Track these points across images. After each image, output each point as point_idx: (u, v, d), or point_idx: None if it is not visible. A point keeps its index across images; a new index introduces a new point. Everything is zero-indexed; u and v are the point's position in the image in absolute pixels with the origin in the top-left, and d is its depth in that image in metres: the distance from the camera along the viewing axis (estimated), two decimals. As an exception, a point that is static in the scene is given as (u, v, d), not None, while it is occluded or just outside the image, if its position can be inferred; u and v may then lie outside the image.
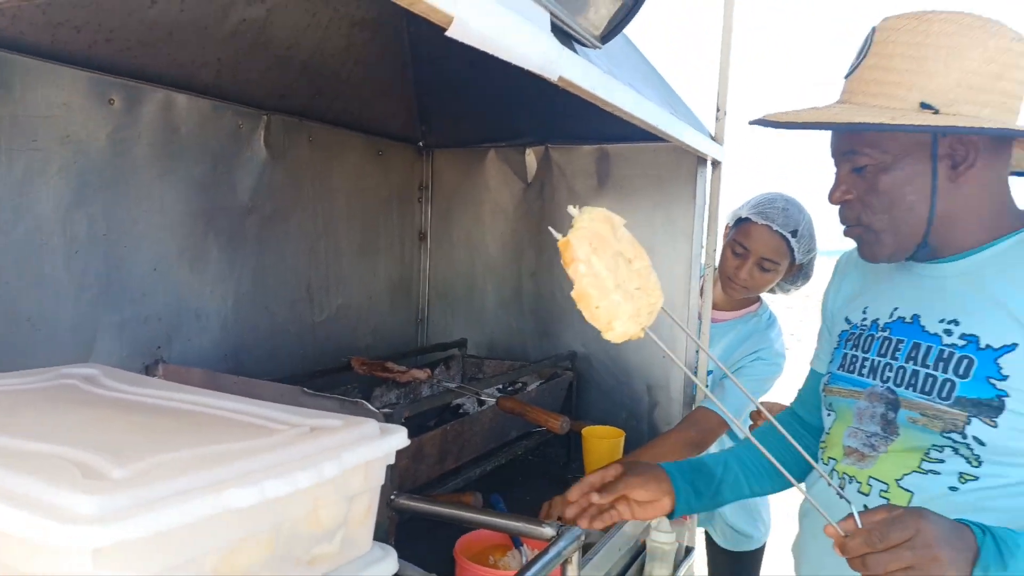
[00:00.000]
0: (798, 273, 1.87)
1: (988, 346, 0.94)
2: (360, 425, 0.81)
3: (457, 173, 2.10)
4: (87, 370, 1.02)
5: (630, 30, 1.16)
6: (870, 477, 1.01)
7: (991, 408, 0.92)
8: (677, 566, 1.42)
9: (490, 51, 0.71)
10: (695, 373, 1.80)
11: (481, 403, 1.61)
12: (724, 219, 1.91)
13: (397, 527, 1.13)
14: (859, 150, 0.99)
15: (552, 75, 0.84)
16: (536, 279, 2.03)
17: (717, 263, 1.96)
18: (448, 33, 0.65)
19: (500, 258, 2.07)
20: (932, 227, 0.99)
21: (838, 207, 1.06)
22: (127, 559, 0.55)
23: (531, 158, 1.98)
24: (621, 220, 0.85)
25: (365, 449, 0.77)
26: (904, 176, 0.98)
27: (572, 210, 0.84)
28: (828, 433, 1.11)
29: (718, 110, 1.71)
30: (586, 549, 1.23)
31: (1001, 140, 0.98)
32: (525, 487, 1.66)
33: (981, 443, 0.92)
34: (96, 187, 1.26)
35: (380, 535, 0.97)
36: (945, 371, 0.96)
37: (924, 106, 0.93)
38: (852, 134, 1.00)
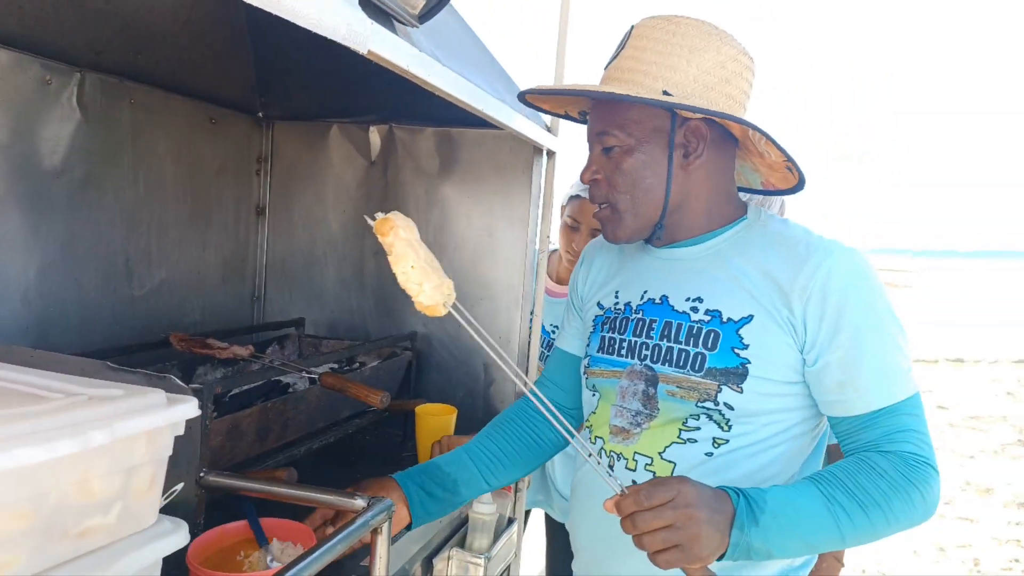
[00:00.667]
0: None
1: (730, 319, 1.05)
2: (144, 395, 0.79)
3: (299, 147, 2.05)
4: None
5: (476, 19, 1.18)
6: (635, 452, 1.09)
7: (736, 376, 1.02)
8: (498, 536, 1.47)
9: (289, 18, 0.70)
10: (528, 352, 1.87)
11: (313, 382, 1.59)
12: (560, 200, 2.04)
13: (216, 505, 1.09)
14: (609, 131, 1.09)
15: (361, 48, 0.84)
16: (379, 258, 2.01)
17: (558, 243, 2.06)
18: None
19: (342, 236, 2.04)
20: (667, 210, 1.10)
21: (588, 188, 1.15)
22: None
23: (375, 136, 1.97)
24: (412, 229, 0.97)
25: (144, 419, 0.74)
26: (644, 160, 1.08)
27: (376, 216, 0.94)
28: (595, 413, 1.18)
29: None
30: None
31: (724, 140, 1.10)
32: (357, 467, 1.66)
33: (731, 408, 1.02)
34: None
35: (188, 512, 0.95)
36: (695, 345, 1.06)
37: (665, 93, 1.04)
38: (605, 116, 1.09)
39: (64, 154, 1.48)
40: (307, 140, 2.04)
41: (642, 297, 1.16)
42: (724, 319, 1.05)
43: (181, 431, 0.80)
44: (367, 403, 1.30)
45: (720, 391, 1.03)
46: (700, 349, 1.06)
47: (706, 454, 1.04)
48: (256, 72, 1.93)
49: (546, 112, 1.29)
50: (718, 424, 1.03)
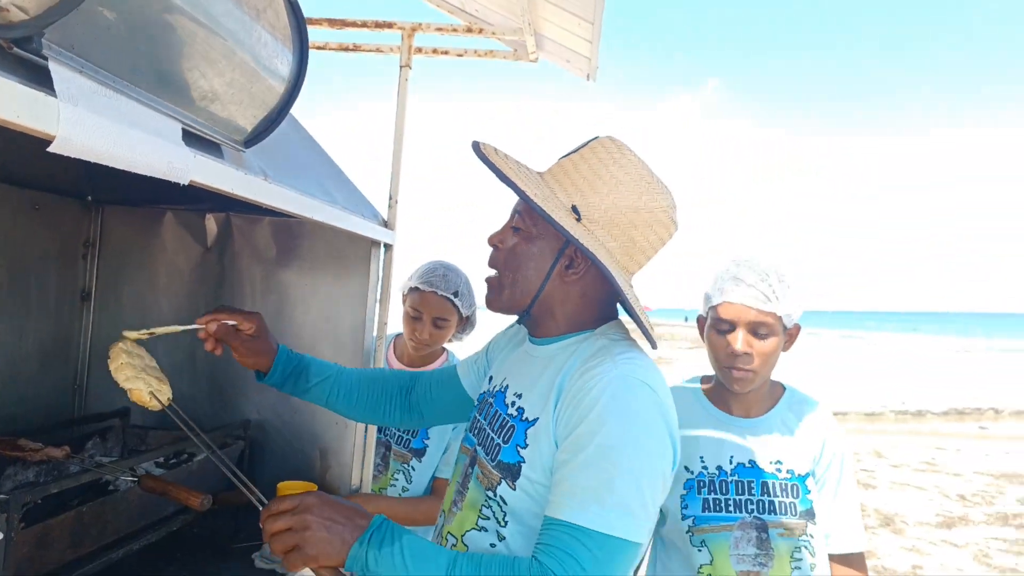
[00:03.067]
0: (466, 324, 2.17)
1: (526, 418, 1.11)
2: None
3: (130, 232, 2.02)
4: None
5: (324, 134, 1.26)
6: (448, 532, 1.18)
7: (512, 472, 1.08)
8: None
9: (108, 163, 0.76)
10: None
11: (137, 479, 1.55)
12: (399, 287, 2.14)
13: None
14: (523, 215, 1.17)
15: (183, 179, 0.91)
16: (214, 344, 2.00)
17: (403, 328, 2.15)
18: (51, 149, 0.70)
19: (174, 321, 2.01)
20: (536, 301, 1.17)
21: (490, 251, 1.23)
22: None
23: (211, 223, 1.99)
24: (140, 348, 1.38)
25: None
26: (535, 253, 1.16)
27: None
28: (451, 487, 1.27)
29: (390, 198, 1.89)
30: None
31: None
32: (184, 562, 1.62)
33: (505, 502, 1.08)
34: None
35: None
36: (499, 435, 1.14)
37: (574, 208, 1.12)
38: (526, 202, 1.10)
39: None
40: (140, 225, 2.02)
41: (500, 384, 1.24)
42: (524, 417, 1.12)
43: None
44: (187, 505, 1.30)
45: (500, 484, 1.10)
46: (499, 440, 1.13)
47: (491, 544, 1.10)
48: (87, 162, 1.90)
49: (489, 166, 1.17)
50: (497, 519, 1.09)
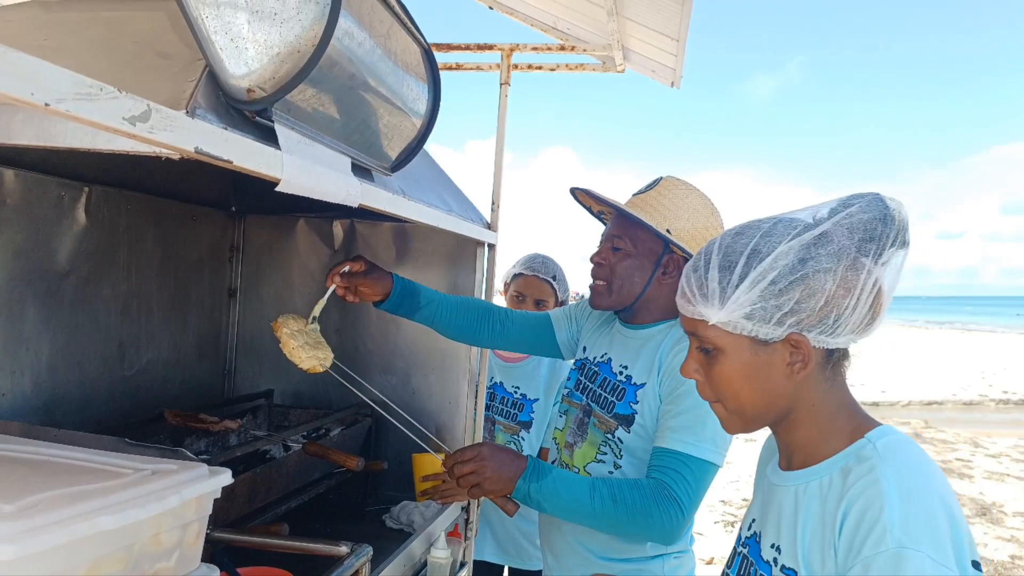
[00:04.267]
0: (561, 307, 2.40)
1: (634, 383, 1.54)
2: (192, 468, 1.04)
3: (268, 237, 2.32)
4: (-79, 428, 1.14)
5: (439, 150, 1.50)
6: (569, 464, 1.58)
7: (627, 421, 1.51)
8: (452, 577, 1.73)
9: (309, 196, 1.00)
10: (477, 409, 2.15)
11: (287, 448, 1.84)
12: (502, 278, 2.42)
13: (222, 556, 1.33)
14: (623, 237, 1.56)
15: (355, 203, 1.14)
16: (340, 335, 2.28)
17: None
18: (278, 189, 0.94)
19: (307, 314, 2.30)
20: (639, 300, 1.58)
21: (593, 266, 1.60)
22: (27, 567, 0.76)
23: (338, 229, 2.26)
24: (305, 320, 1.67)
25: (198, 486, 1.00)
26: (637, 265, 1.56)
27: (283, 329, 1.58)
28: (560, 430, 1.69)
29: (493, 203, 2.11)
30: (376, 565, 1.51)
31: None
32: (327, 522, 1.90)
33: (621, 442, 1.51)
34: (-80, 256, 1.35)
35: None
36: (612, 395, 1.54)
37: (667, 231, 1.51)
38: (622, 228, 1.56)
39: (71, 256, 1.71)
40: (276, 231, 2.31)
41: (602, 356, 1.65)
42: (633, 381, 1.54)
43: (219, 495, 1.06)
44: (345, 466, 1.56)
45: (617, 429, 1.52)
46: (613, 398, 1.55)
47: (608, 472, 1.52)
48: (233, 174, 2.20)
49: (580, 203, 1.74)
50: (615, 453, 1.52)
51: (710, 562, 4.52)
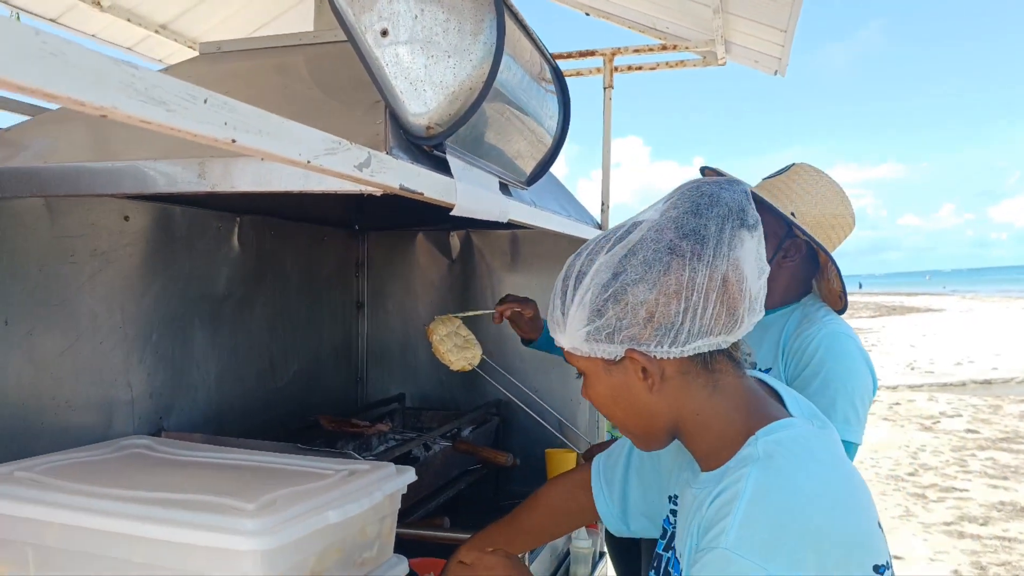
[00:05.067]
0: None
1: (759, 368, 1.53)
2: (382, 468, 1.16)
3: (389, 252, 2.46)
4: (140, 440, 1.31)
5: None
6: None
7: None
8: (594, 566, 1.81)
9: (473, 216, 1.10)
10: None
11: (427, 448, 1.96)
12: None
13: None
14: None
15: (504, 219, 1.24)
16: (461, 339, 2.39)
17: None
18: (452, 213, 1.04)
19: (429, 322, 2.42)
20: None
21: None
22: (274, 559, 0.88)
23: (455, 240, 2.37)
24: (458, 320, 1.85)
25: (392, 483, 1.12)
26: (767, 244, 1.54)
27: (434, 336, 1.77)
28: None
29: (602, 204, 2.18)
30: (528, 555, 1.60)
31: (811, 260, 1.57)
32: (467, 514, 2.01)
33: None
34: (117, 288, 1.53)
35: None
36: None
37: (792, 214, 1.52)
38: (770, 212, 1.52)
39: (228, 281, 1.88)
40: (397, 245, 2.45)
41: None
42: (758, 368, 1.52)
43: (405, 491, 1.17)
44: (495, 462, 1.66)
45: None
46: None
47: None
48: (356, 197, 2.34)
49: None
50: None
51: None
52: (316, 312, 2.28)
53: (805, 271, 1.58)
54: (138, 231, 1.58)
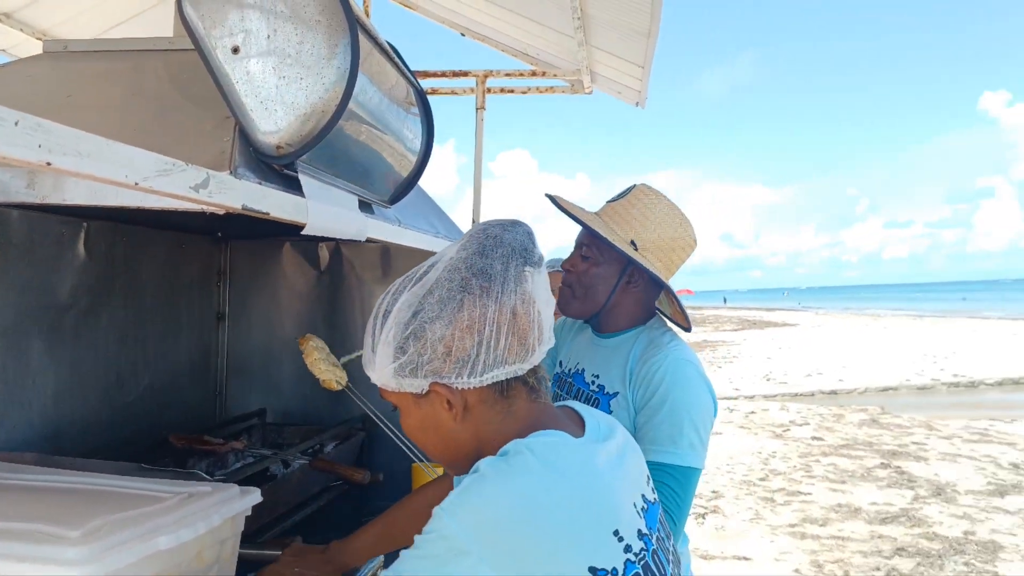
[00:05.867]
0: None
1: (607, 392, 1.56)
2: (224, 489, 1.13)
3: (254, 261, 2.39)
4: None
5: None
6: None
7: None
8: None
9: (327, 235, 1.10)
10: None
11: (286, 465, 1.92)
12: None
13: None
14: (591, 246, 1.59)
15: (361, 238, 1.25)
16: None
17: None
18: (303, 232, 1.04)
19: (295, 335, 2.36)
20: (604, 309, 1.61)
21: (564, 271, 1.64)
22: (98, 589, 0.85)
23: (324, 252, 2.34)
24: (322, 342, 1.80)
25: (234, 505, 1.10)
26: (603, 273, 1.59)
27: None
28: None
29: (473, 220, 2.22)
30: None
31: (655, 284, 1.61)
32: (325, 532, 1.98)
33: None
34: (-63, 298, 1.41)
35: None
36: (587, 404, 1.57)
37: (632, 243, 1.56)
38: (591, 237, 1.58)
39: (71, 291, 1.77)
40: (262, 255, 2.38)
41: (575, 367, 1.68)
42: (606, 391, 1.55)
43: (249, 513, 1.15)
44: (352, 480, 1.65)
45: None
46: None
47: None
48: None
49: (557, 205, 1.65)
50: None
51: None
52: (172, 323, 2.18)
53: (649, 294, 1.63)
54: (-36, 235, 1.46)
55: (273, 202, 0.93)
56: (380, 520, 1.41)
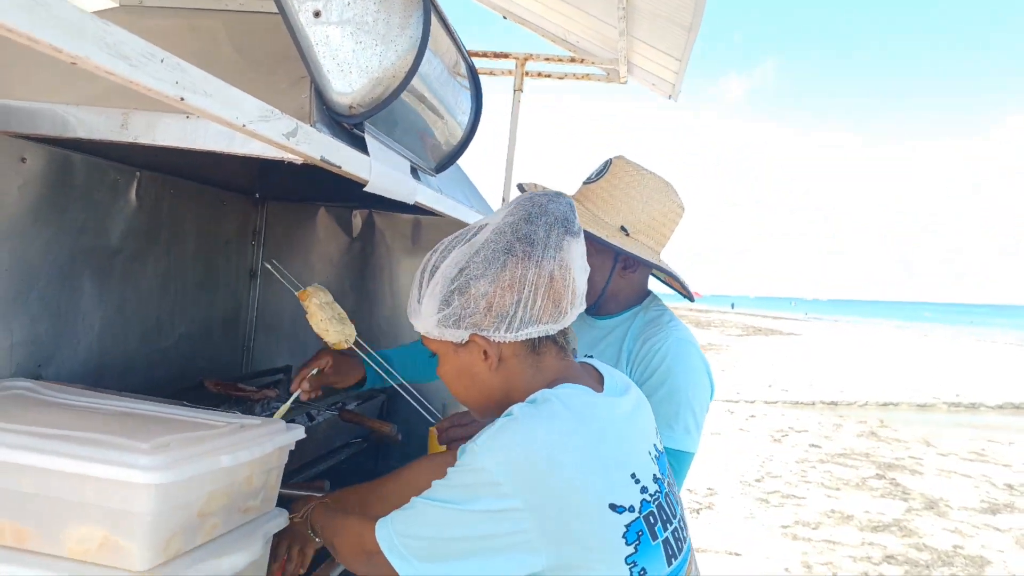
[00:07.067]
0: None
1: None
2: (272, 423, 1.22)
3: (289, 223, 2.47)
4: (22, 382, 1.30)
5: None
6: None
7: None
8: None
9: (384, 195, 1.18)
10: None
11: (310, 418, 2.01)
12: None
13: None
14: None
15: (411, 200, 1.33)
16: (354, 315, 2.44)
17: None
18: (365, 189, 1.12)
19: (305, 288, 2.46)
20: (602, 296, 1.56)
21: None
22: (166, 494, 0.93)
23: (357, 219, 2.42)
24: (328, 293, 1.63)
25: (282, 437, 1.18)
26: (598, 263, 1.48)
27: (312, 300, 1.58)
28: None
29: (503, 200, 2.29)
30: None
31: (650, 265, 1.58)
32: (346, 483, 2.07)
33: None
34: (7, 229, 1.50)
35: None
36: None
37: (622, 228, 1.52)
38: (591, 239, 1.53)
39: (122, 236, 1.86)
40: (297, 217, 2.47)
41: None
42: None
43: (293, 447, 1.24)
44: (380, 432, 1.74)
45: None
46: None
47: None
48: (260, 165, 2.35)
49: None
50: None
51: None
52: (208, 276, 2.26)
53: (644, 275, 1.60)
54: (34, 174, 1.54)
55: (344, 157, 1.01)
56: (374, 484, 1.43)
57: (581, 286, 1.04)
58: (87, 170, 1.71)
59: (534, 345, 1.02)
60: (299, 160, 0.94)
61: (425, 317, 1.02)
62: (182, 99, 0.64)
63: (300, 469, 1.81)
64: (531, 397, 0.97)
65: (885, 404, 12.82)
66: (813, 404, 12.36)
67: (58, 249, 1.65)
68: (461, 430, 1.39)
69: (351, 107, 1.05)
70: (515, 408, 0.95)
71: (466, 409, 1.38)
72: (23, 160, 1.52)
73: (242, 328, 2.48)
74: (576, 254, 1.02)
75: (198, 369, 2.24)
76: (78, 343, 1.75)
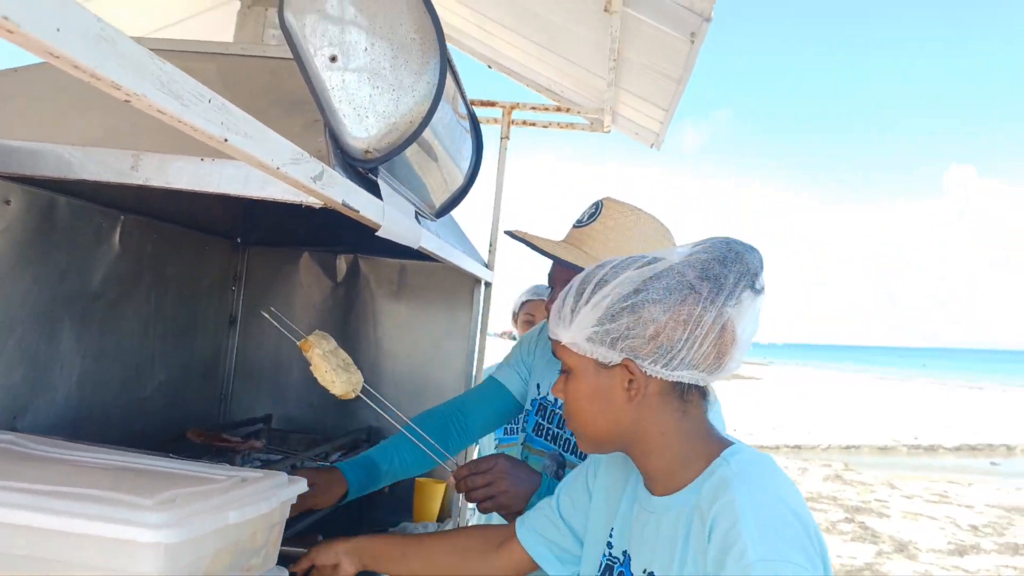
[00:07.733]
0: None
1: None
2: (274, 476, 1.17)
3: (271, 268, 2.43)
4: (3, 435, 1.23)
5: None
6: None
7: None
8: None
9: (395, 240, 1.16)
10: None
11: (295, 469, 1.95)
12: (511, 308, 2.69)
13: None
14: (569, 280, 1.49)
15: (415, 245, 1.31)
16: (336, 364, 2.39)
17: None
18: (377, 234, 1.10)
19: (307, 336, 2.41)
20: None
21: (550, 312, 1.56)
22: (176, 554, 0.88)
23: (342, 263, 2.39)
24: (331, 340, 1.50)
25: (286, 491, 1.13)
26: None
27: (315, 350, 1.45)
28: None
29: (490, 245, 2.30)
30: None
31: None
32: (330, 536, 2.00)
33: None
34: (-14, 276, 1.44)
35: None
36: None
37: None
38: (568, 273, 1.36)
39: (103, 280, 1.80)
40: (280, 262, 2.43)
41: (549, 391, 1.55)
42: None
43: (295, 501, 1.19)
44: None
45: None
46: None
47: None
48: (243, 208, 2.31)
49: (520, 240, 1.46)
50: None
51: None
52: (189, 322, 2.20)
53: None
54: (17, 216, 1.49)
55: (362, 201, 1.00)
56: (415, 538, 1.36)
57: (746, 345, 0.97)
58: (71, 213, 1.66)
59: (683, 391, 0.96)
60: (319, 204, 0.92)
61: (578, 328, 0.96)
62: (226, 140, 0.63)
63: (288, 524, 1.73)
64: (725, 473, 0.91)
65: (847, 447, 12.98)
66: (778, 448, 12.45)
67: (38, 294, 1.59)
68: (481, 478, 1.32)
69: (367, 151, 1.04)
70: (737, 498, 0.86)
71: (483, 456, 1.35)
72: (7, 202, 1.47)
73: (220, 376, 2.40)
74: (752, 312, 0.95)
75: (176, 419, 2.16)
76: (56, 392, 1.68)
